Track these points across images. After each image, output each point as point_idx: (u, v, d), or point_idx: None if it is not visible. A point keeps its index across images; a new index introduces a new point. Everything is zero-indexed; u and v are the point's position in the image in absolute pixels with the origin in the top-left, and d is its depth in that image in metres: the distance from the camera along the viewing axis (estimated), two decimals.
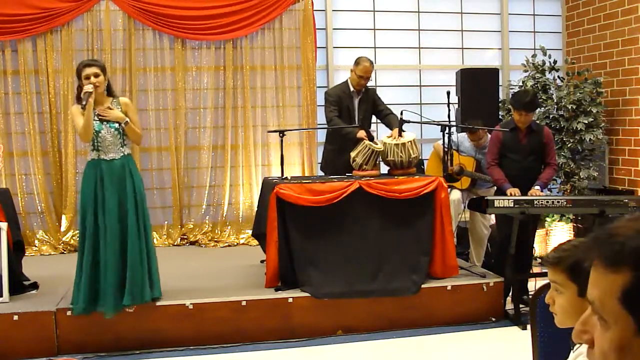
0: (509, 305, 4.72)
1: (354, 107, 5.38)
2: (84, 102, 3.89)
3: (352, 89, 5.37)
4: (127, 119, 4.09)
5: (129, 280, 4.02)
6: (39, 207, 6.29)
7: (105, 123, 4.06)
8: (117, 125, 4.07)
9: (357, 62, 5.32)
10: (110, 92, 4.18)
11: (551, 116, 6.55)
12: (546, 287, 1.90)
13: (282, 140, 5.00)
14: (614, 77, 6.74)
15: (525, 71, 6.76)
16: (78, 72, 4.06)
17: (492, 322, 4.57)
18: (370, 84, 5.56)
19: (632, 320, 0.84)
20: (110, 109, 4.09)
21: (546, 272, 1.81)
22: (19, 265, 4.64)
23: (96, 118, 4.05)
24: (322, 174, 5.65)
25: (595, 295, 0.88)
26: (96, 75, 3.99)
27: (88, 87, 3.94)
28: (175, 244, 6.48)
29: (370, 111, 5.47)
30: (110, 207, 4.01)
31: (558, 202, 4.57)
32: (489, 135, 5.48)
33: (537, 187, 4.80)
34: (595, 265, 0.90)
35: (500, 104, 6.69)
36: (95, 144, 4.05)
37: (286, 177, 4.92)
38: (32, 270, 4.83)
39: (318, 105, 6.73)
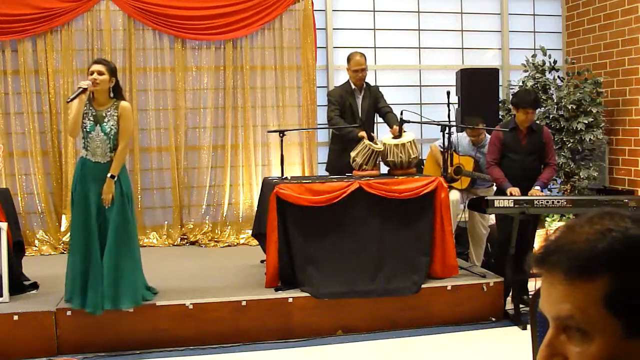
0: (509, 305, 4.72)
1: (357, 105, 5.39)
2: (72, 96, 3.89)
3: (353, 87, 5.39)
4: (115, 178, 4.05)
5: (96, 284, 3.98)
6: (39, 207, 6.29)
7: (98, 125, 4.05)
8: (107, 130, 4.05)
9: (348, 58, 5.38)
10: (116, 94, 4.14)
11: (551, 116, 6.55)
12: None
13: (282, 140, 5.00)
14: (614, 77, 6.74)
15: (525, 71, 6.76)
16: (88, 68, 4.11)
17: (492, 322, 4.57)
18: (370, 84, 5.56)
19: (619, 324, 0.82)
20: (105, 115, 4.09)
21: None
22: (19, 265, 4.64)
23: (91, 118, 4.05)
24: (327, 174, 5.64)
25: (570, 308, 0.84)
26: (100, 73, 3.99)
27: (83, 83, 3.95)
28: (175, 244, 6.48)
29: (373, 108, 5.47)
30: (92, 208, 4.00)
31: (558, 202, 4.57)
32: (487, 134, 5.49)
33: (537, 187, 4.80)
34: (558, 278, 0.85)
35: (500, 104, 6.69)
36: (85, 143, 4.07)
37: (286, 177, 4.92)
38: (32, 270, 4.83)
39: (318, 105, 6.74)
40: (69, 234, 6.21)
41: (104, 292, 3.98)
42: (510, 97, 6.05)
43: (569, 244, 0.86)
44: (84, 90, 3.92)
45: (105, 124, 4.06)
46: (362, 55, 5.34)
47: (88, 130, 4.03)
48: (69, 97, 3.92)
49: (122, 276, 4.04)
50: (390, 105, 5.53)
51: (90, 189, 4.03)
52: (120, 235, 4.06)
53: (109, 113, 4.08)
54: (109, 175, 4.02)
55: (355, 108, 5.38)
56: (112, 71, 4.09)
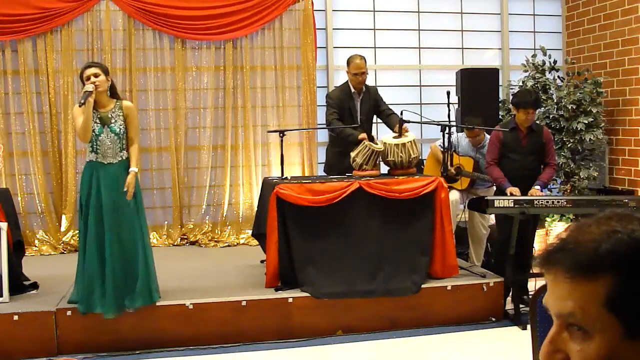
0: (509, 305, 4.72)
1: (356, 107, 5.37)
2: (82, 100, 3.90)
3: (352, 89, 5.36)
4: (136, 169, 4.13)
5: (125, 283, 4.06)
6: (39, 207, 6.29)
7: (105, 127, 4.06)
8: (117, 130, 4.08)
9: (348, 61, 5.32)
10: (113, 94, 4.18)
11: (551, 116, 6.55)
12: (546, 288, 1.89)
13: (282, 140, 5.00)
14: (614, 77, 6.74)
15: (525, 71, 6.76)
16: (80, 75, 4.09)
17: (492, 322, 4.57)
18: (370, 84, 5.55)
19: (619, 324, 0.82)
20: (112, 115, 4.10)
21: None
22: (19, 265, 4.65)
23: (97, 121, 4.05)
24: (324, 174, 5.63)
25: (572, 306, 0.85)
26: (96, 76, 4.00)
27: (88, 87, 3.95)
28: (175, 244, 6.48)
29: (372, 111, 5.46)
30: (107, 209, 4.03)
31: (558, 202, 4.57)
32: (487, 135, 5.48)
33: (537, 187, 4.80)
34: (562, 276, 0.86)
35: (500, 104, 6.69)
36: (94, 146, 4.07)
37: (286, 177, 4.92)
38: (32, 270, 4.83)
39: (318, 105, 6.74)
40: (69, 234, 6.27)
41: (131, 292, 4.06)
42: (510, 97, 6.05)
43: (575, 242, 0.87)
44: (91, 92, 3.93)
45: (113, 124, 4.08)
46: (362, 58, 5.30)
47: (97, 133, 4.04)
48: (80, 101, 3.92)
49: (151, 271, 4.17)
50: (391, 106, 5.52)
51: (106, 191, 4.05)
52: (142, 232, 4.15)
53: (113, 113, 4.10)
54: (131, 169, 4.10)
55: (355, 111, 5.36)
56: (106, 71, 4.12)
